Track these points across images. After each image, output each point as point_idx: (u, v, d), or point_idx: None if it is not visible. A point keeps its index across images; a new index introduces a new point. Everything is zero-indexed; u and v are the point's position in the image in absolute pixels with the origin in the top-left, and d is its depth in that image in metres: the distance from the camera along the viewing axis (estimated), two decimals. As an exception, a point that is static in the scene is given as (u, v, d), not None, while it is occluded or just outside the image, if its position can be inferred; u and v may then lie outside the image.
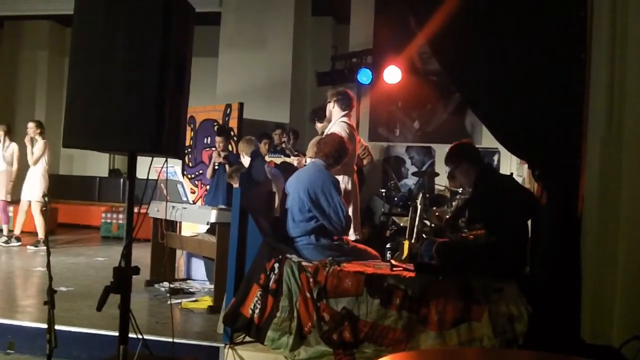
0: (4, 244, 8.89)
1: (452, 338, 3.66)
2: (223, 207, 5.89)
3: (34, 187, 8.75)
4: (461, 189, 6.78)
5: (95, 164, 14.10)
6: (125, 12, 2.50)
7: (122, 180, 13.07)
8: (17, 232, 9.03)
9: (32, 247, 8.67)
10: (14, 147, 9.16)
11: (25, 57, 14.08)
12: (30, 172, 8.87)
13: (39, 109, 13.82)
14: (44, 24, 13.68)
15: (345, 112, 5.32)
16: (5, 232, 9.11)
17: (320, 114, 5.94)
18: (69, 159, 14.37)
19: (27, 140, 8.87)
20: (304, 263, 4.14)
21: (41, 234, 8.77)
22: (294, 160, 6.08)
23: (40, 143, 8.87)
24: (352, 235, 5.14)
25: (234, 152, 8.20)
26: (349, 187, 5.28)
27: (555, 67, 3.85)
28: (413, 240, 4.96)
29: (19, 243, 8.92)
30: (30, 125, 9.00)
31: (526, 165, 5.39)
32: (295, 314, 3.95)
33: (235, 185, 6.28)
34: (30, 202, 8.80)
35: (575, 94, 3.75)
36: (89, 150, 2.97)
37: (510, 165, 8.69)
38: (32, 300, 5.48)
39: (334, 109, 5.37)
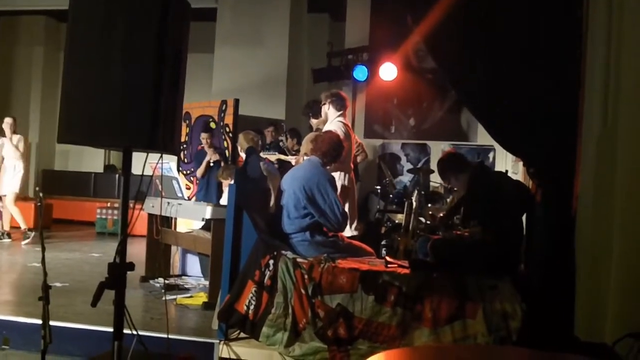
0: (-1, 240, 8.90)
1: (446, 335, 3.67)
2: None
3: (7, 180, 8.79)
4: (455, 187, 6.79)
5: (91, 159, 14.06)
6: (121, 8, 2.49)
7: (117, 176, 13.05)
8: (6, 227, 9.02)
9: (25, 241, 8.66)
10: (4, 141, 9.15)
11: (20, 52, 14.01)
12: (5, 166, 8.90)
13: (34, 104, 13.78)
14: (40, 19, 13.62)
15: (340, 112, 5.53)
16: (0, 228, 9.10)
17: (315, 109, 6.00)
18: (64, 154, 14.33)
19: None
20: (298, 259, 4.15)
21: (23, 225, 8.80)
22: (291, 160, 6.12)
23: (21, 139, 9.00)
24: (349, 232, 5.17)
25: (230, 148, 8.19)
26: (346, 183, 5.33)
27: (550, 65, 3.86)
28: (408, 237, 4.96)
29: (10, 239, 8.92)
30: None
31: (521, 163, 5.41)
32: (290, 310, 3.96)
33: (226, 183, 6.28)
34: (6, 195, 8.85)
35: (571, 92, 3.76)
36: (84, 146, 2.96)
37: (506, 162, 8.71)
38: (27, 296, 5.46)
39: (329, 110, 5.60)
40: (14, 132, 9.01)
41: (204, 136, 7.79)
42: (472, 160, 4.60)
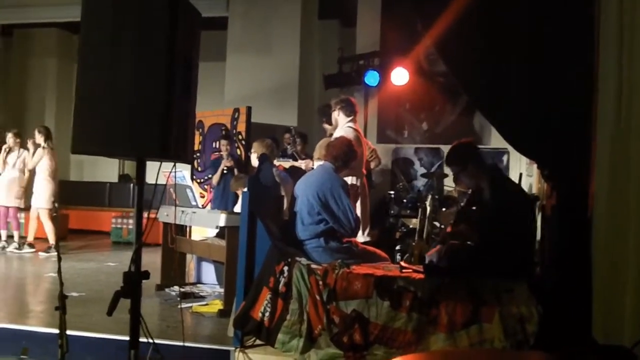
0: (16, 250, 8.95)
1: (463, 340, 3.65)
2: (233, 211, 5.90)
3: (40, 194, 8.82)
4: (470, 190, 6.76)
5: (105, 169, 14.16)
6: (131, 18, 2.51)
7: (132, 185, 13.11)
8: (30, 239, 9.08)
9: (44, 254, 8.71)
10: (25, 154, 9.23)
11: (34, 64, 14.16)
12: (36, 179, 8.94)
13: (49, 115, 13.90)
14: (53, 32, 13.76)
15: (351, 117, 5.50)
16: (16, 239, 9.17)
17: (328, 114, 6.00)
18: (79, 164, 14.44)
19: (29, 145, 9.07)
20: (313, 266, 4.14)
21: (52, 240, 8.81)
22: (301, 164, 6.11)
23: (38, 150, 8.98)
24: (361, 237, 5.16)
25: (243, 156, 8.21)
26: (358, 189, 5.32)
27: (563, 65, 3.83)
28: (422, 242, 4.95)
29: (33, 250, 8.98)
30: (9, 135, 9.21)
31: (535, 165, 5.38)
32: (305, 316, 3.96)
33: (240, 192, 6.29)
34: (38, 209, 8.86)
35: (584, 92, 3.73)
36: (99, 156, 2.98)
37: (520, 165, 8.66)
38: (44, 305, 5.51)
39: (339, 117, 5.58)
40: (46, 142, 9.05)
41: (223, 143, 7.84)
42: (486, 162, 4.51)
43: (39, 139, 8.98)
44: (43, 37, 13.95)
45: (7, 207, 9.13)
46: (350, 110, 5.51)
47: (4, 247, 9.05)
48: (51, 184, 8.88)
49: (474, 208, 4.54)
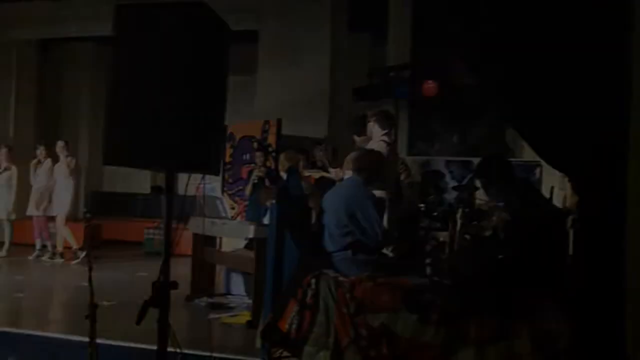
0: (48, 259, 9.13)
1: (491, 355, 3.59)
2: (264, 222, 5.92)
3: (60, 200, 9.06)
4: (502, 203, 6.68)
5: (138, 181, 14.34)
6: (162, 32, 2.55)
7: (164, 196, 13.27)
8: (59, 248, 9.27)
9: (74, 260, 8.89)
10: (50, 163, 9.45)
11: (69, 77, 14.45)
12: (57, 186, 9.18)
13: (83, 128, 14.17)
14: (88, 45, 14.03)
15: (386, 130, 5.41)
16: (49, 248, 9.35)
17: (360, 126, 5.97)
18: (112, 176, 14.66)
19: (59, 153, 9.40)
20: (340, 278, 4.13)
21: (74, 245, 9.03)
22: (332, 172, 6.10)
23: (72, 160, 9.28)
24: (387, 252, 5.13)
25: (272, 167, 8.26)
26: (386, 203, 5.29)
27: (597, 78, 3.77)
28: (452, 255, 4.90)
29: (62, 260, 9.16)
30: (40, 148, 9.61)
31: (568, 179, 5.30)
32: (332, 329, 3.94)
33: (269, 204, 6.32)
34: (58, 214, 9.11)
35: (620, 107, 3.66)
36: (131, 168, 3.03)
37: (553, 178, 8.53)
38: (75, 314, 5.57)
39: (374, 128, 5.49)
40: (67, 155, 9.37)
41: (257, 155, 7.92)
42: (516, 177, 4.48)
43: (65, 150, 9.26)
44: (78, 51, 14.24)
45: (39, 217, 9.35)
46: (386, 123, 5.46)
47: (38, 256, 9.25)
48: (71, 192, 9.14)
49: (505, 221, 4.49)
